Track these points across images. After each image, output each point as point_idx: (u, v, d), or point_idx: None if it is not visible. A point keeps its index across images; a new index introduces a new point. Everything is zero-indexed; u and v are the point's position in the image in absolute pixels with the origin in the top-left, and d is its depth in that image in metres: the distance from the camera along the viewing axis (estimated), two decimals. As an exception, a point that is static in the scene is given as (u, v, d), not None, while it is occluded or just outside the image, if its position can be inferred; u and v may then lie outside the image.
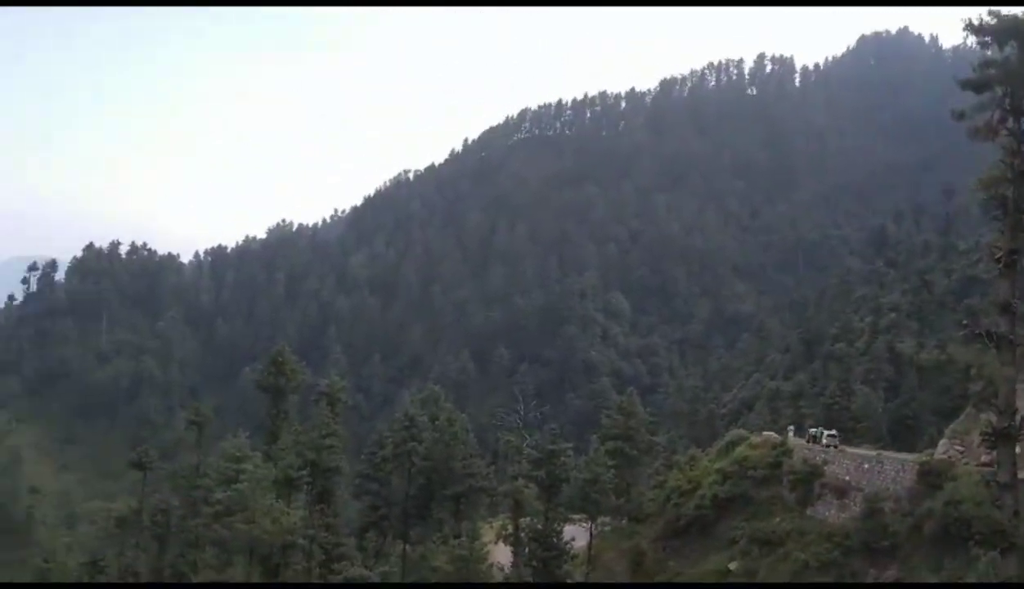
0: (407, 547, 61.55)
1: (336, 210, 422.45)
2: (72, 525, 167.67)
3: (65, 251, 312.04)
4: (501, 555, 54.69)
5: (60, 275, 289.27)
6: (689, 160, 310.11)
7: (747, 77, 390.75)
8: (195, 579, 58.29)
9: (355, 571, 51.88)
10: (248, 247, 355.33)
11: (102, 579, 66.97)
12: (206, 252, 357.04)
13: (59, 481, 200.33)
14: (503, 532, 54.55)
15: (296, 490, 62.09)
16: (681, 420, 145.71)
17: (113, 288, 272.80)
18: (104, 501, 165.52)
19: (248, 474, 47.76)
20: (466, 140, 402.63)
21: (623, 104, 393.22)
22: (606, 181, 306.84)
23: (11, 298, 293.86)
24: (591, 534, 58.76)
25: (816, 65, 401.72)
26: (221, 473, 56.39)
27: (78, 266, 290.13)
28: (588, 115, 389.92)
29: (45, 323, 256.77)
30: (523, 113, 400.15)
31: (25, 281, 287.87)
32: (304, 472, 60.97)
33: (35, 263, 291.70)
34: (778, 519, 58.40)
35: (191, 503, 71.08)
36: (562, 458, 52.50)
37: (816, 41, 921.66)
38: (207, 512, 54.42)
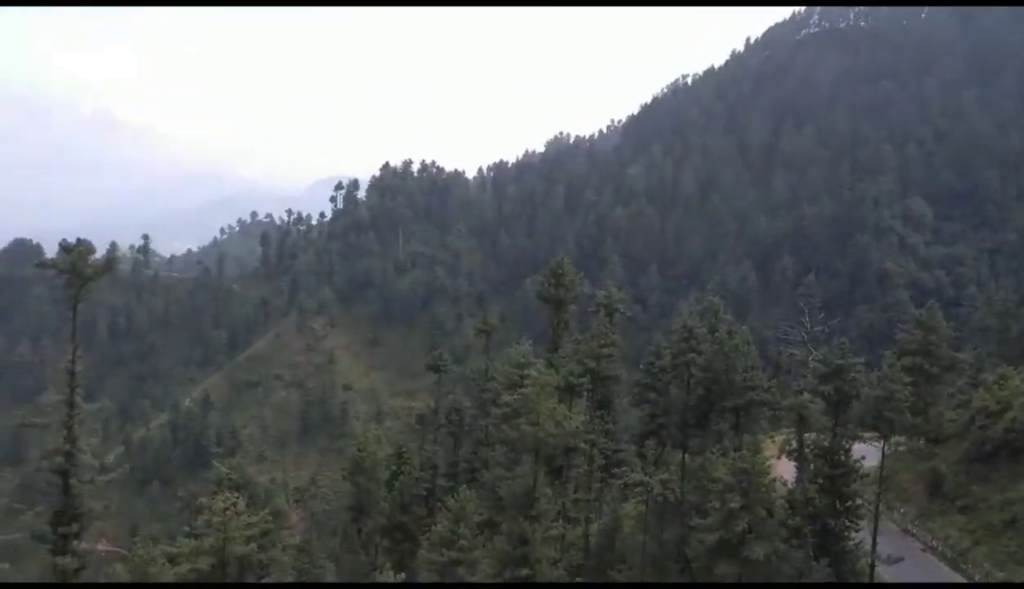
0: (686, 456, 61.49)
1: (613, 120, 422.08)
2: (380, 419, 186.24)
3: (365, 171, 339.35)
4: (784, 470, 53.15)
5: (362, 193, 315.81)
6: (1005, 51, 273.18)
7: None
8: (486, 474, 62.13)
9: (635, 476, 52.67)
10: (527, 161, 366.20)
11: (406, 469, 73.43)
12: (488, 167, 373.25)
13: (367, 379, 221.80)
14: (786, 447, 52.83)
15: (577, 396, 63.77)
16: (989, 336, 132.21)
17: (407, 204, 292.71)
18: (405, 399, 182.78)
19: (532, 380, 49.56)
20: (748, 39, 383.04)
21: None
22: (906, 77, 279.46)
23: (322, 216, 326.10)
24: (883, 453, 55.38)
25: None
26: (507, 378, 59.03)
27: (376, 184, 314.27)
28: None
29: (350, 237, 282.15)
30: (812, 7, 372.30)
31: (332, 199, 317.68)
32: (584, 379, 62.36)
33: (340, 183, 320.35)
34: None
35: (481, 404, 75.61)
36: (852, 373, 49.34)
37: None
38: (496, 413, 57.40)
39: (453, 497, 48.02)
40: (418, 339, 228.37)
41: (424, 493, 74.35)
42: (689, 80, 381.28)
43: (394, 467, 73.82)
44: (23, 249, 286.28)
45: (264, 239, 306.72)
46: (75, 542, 36.30)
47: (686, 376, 60.16)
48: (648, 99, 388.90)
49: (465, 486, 54.87)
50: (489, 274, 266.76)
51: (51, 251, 41.48)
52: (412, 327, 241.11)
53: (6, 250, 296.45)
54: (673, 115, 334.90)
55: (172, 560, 38.67)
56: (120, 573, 38.53)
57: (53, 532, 36.00)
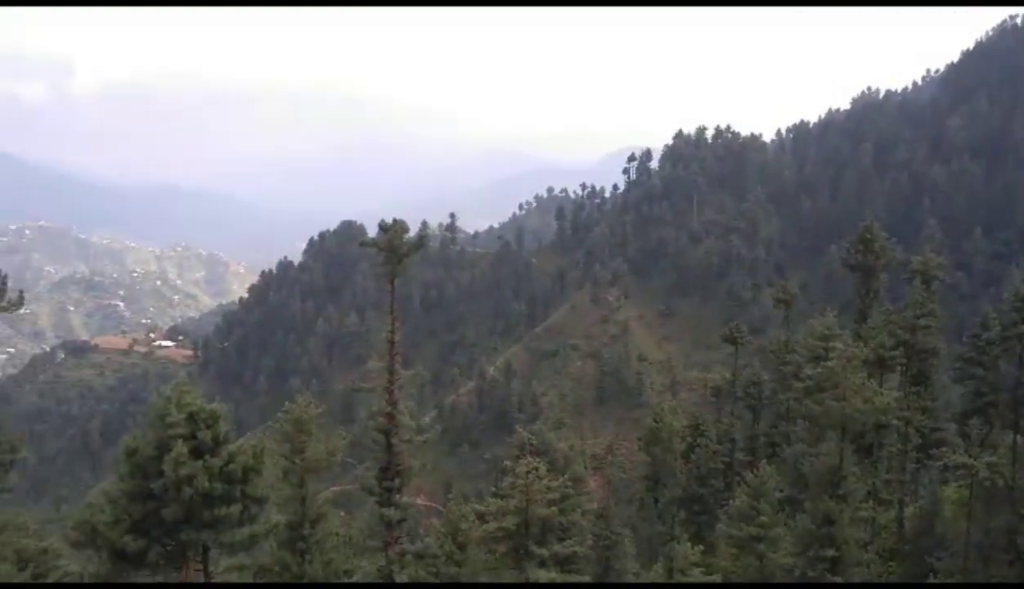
0: (1018, 438, 55.32)
1: (928, 70, 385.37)
2: (674, 391, 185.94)
3: (659, 140, 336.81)
4: None
5: (655, 163, 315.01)
6: None
7: None
8: (788, 450, 59.93)
9: (957, 458, 48.15)
10: (831, 119, 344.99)
11: (703, 441, 72.73)
12: (787, 129, 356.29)
13: (661, 351, 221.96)
14: None
15: (888, 371, 59.59)
16: None
17: (701, 171, 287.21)
18: (700, 371, 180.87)
19: (837, 352, 46.83)
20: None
21: None
22: None
23: (615, 188, 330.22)
24: None
25: None
26: (810, 350, 56.44)
27: (669, 153, 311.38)
28: None
29: (643, 208, 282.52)
30: None
31: (626, 171, 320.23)
32: (897, 352, 58.14)
33: (633, 154, 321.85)
34: None
35: (781, 377, 72.89)
36: None
37: None
38: (797, 387, 55.14)
39: (752, 471, 46.80)
40: (713, 310, 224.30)
41: (721, 466, 73.41)
42: (1019, 20, 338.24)
43: (690, 439, 73.50)
44: (349, 230, 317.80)
45: (559, 213, 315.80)
46: (397, 495, 39.66)
47: (1019, 350, 54.03)
48: (970, 44, 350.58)
49: (765, 461, 53.42)
50: (788, 241, 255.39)
51: (372, 231, 45.22)
52: (706, 298, 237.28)
53: (336, 232, 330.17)
54: (1001, 59, 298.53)
55: (481, 517, 41.11)
56: (436, 527, 41.66)
57: (379, 485, 39.55)
